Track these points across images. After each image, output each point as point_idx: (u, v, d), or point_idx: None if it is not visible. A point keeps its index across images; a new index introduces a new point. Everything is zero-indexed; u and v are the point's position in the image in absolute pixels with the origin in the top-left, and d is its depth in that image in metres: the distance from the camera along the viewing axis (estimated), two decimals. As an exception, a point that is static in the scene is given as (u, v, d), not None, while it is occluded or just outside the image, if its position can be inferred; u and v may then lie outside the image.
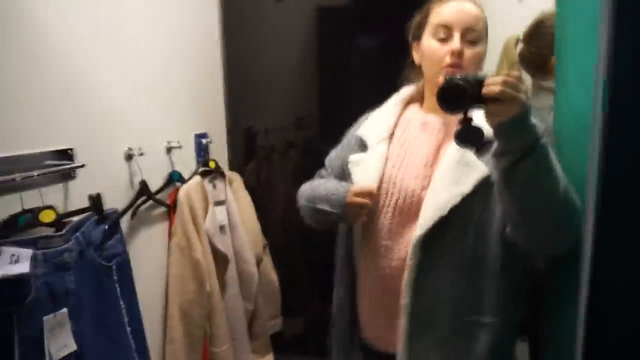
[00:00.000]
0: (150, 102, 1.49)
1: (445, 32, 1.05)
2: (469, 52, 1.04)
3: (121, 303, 1.24)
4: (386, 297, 1.08)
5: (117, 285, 1.23)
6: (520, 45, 1.44)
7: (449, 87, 0.83)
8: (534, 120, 0.84)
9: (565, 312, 1.02)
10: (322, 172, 1.30)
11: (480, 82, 0.82)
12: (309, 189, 1.23)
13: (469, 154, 1.00)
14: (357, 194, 1.07)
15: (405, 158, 1.09)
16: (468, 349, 1.02)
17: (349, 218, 1.09)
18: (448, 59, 1.03)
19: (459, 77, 0.84)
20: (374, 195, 1.07)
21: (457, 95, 0.83)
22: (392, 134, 1.14)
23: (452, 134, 0.88)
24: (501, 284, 1.02)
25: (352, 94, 2.21)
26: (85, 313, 1.14)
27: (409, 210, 1.06)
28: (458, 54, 1.02)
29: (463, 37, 1.04)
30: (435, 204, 1.00)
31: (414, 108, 1.18)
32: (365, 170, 1.12)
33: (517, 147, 0.83)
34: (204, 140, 1.70)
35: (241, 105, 2.02)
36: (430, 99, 1.13)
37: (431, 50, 1.07)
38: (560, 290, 1.05)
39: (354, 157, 1.16)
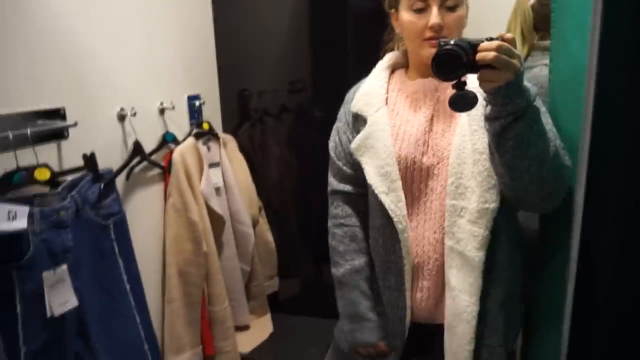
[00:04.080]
0: (141, 63, 1.46)
1: (422, 2, 1.01)
2: (449, 19, 1.01)
3: (119, 261, 1.25)
4: (426, 264, 1.08)
5: (114, 243, 1.24)
6: None
7: (443, 55, 0.82)
8: (526, 83, 0.85)
9: (555, 271, 1.05)
10: (334, 168, 1.22)
11: (474, 48, 0.81)
12: (336, 257, 1.21)
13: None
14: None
15: (402, 126, 1.09)
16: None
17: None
18: (427, 33, 1.01)
19: (452, 43, 0.82)
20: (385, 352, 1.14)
21: (451, 62, 0.82)
22: (386, 100, 1.12)
23: (444, 98, 0.88)
24: (510, 232, 1.06)
25: (345, 58, 2.20)
26: (84, 271, 1.16)
27: (412, 175, 1.06)
28: (438, 27, 1.00)
29: (441, 5, 1.00)
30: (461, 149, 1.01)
31: (401, 75, 1.16)
32: (375, 161, 1.08)
33: (509, 112, 0.84)
34: (197, 102, 1.69)
35: (234, 68, 1.99)
36: (416, 66, 1.12)
37: (409, 23, 1.04)
38: (551, 249, 1.08)
39: (356, 143, 1.11)
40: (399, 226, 1.05)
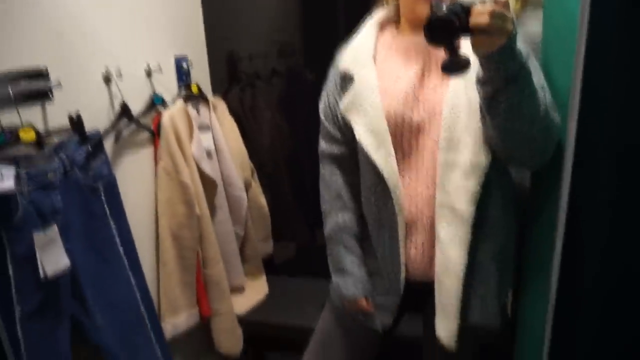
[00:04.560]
0: (126, 24, 1.42)
1: None
2: None
3: (111, 223, 1.25)
4: (420, 220, 1.08)
5: (105, 206, 1.24)
6: None
7: (436, 20, 0.79)
8: (519, 45, 0.84)
9: (545, 227, 1.06)
10: (323, 130, 1.21)
11: (466, 12, 0.79)
12: (327, 209, 1.22)
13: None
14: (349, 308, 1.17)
15: (391, 83, 1.07)
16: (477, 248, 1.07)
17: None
18: None
19: (444, 7, 0.79)
20: (364, 307, 1.15)
21: (444, 28, 0.79)
22: (373, 57, 1.10)
23: (436, 53, 0.86)
24: (503, 187, 1.06)
25: (335, 21, 2.15)
26: (75, 233, 1.15)
27: (402, 132, 1.05)
28: None
29: None
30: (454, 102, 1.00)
31: (391, 31, 1.13)
32: (365, 119, 1.06)
33: (502, 76, 0.84)
34: (184, 64, 1.66)
35: (221, 30, 1.95)
36: (409, 21, 1.09)
37: None
38: (541, 205, 1.08)
39: (344, 103, 1.09)
40: (389, 182, 1.05)
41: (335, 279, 1.21)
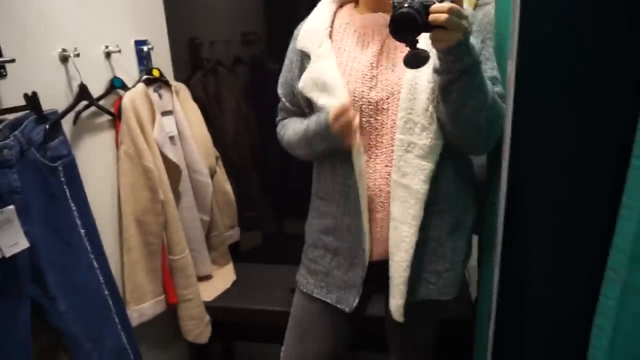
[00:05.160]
0: (83, 5, 1.39)
1: None
2: None
3: (72, 205, 1.22)
4: (378, 197, 1.09)
5: (65, 187, 1.21)
6: None
7: (400, 17, 0.86)
8: (472, 41, 0.92)
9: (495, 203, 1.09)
10: (281, 104, 1.25)
11: (426, 9, 0.85)
12: (291, 135, 1.18)
13: None
14: (336, 118, 1.02)
15: (349, 62, 1.08)
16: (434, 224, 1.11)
17: (346, 144, 1.06)
18: None
19: (406, 5, 0.86)
20: (349, 109, 1.02)
21: (407, 24, 0.86)
22: (330, 35, 1.11)
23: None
24: (457, 164, 1.10)
25: (298, 10, 2.16)
26: (34, 214, 1.12)
27: (361, 110, 1.06)
28: None
29: None
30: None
31: (349, 9, 1.15)
32: (326, 89, 1.06)
33: (457, 69, 0.91)
34: (145, 47, 1.63)
35: (182, 15, 1.92)
36: (365, 2, 1.11)
37: None
38: (492, 185, 1.12)
39: (303, 81, 1.10)
40: (354, 149, 1.06)
41: (305, 137, 1.12)
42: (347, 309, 1.16)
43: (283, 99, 1.23)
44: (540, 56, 0.86)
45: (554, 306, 0.87)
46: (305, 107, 1.16)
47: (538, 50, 0.85)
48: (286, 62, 1.21)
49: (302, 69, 1.13)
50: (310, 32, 1.12)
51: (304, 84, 1.10)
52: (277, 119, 1.28)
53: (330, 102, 1.05)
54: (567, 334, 0.85)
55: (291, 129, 1.19)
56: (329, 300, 1.19)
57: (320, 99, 1.08)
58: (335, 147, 1.08)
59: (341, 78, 1.06)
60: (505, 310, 0.92)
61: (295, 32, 1.19)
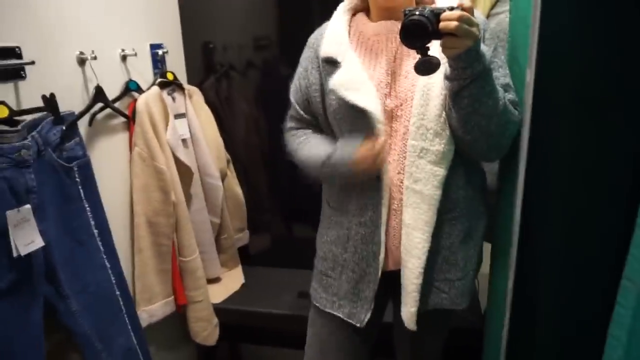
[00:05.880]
0: (100, 7, 1.41)
1: None
2: None
3: (86, 205, 1.24)
4: (391, 204, 1.08)
5: (80, 187, 1.22)
6: None
7: (411, 24, 0.87)
8: (483, 48, 0.92)
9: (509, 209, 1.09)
10: (293, 112, 1.24)
11: (436, 17, 0.86)
12: (304, 157, 1.17)
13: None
14: (363, 162, 1.01)
15: (365, 69, 1.08)
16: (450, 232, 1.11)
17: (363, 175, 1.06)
18: None
19: (417, 13, 0.87)
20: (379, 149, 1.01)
21: (418, 31, 0.87)
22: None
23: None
24: (469, 171, 1.10)
25: (311, 15, 2.17)
26: (49, 213, 1.14)
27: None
28: None
29: None
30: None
31: (362, 17, 1.16)
32: (358, 90, 1.05)
33: (468, 75, 0.92)
34: (159, 51, 1.65)
35: (197, 20, 1.95)
36: (376, 10, 1.11)
37: None
38: (506, 192, 1.12)
39: (337, 81, 1.06)
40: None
41: (322, 168, 1.10)
42: (358, 324, 1.15)
43: (296, 106, 1.21)
44: (559, 64, 0.86)
45: (568, 315, 0.87)
46: (319, 113, 1.15)
47: (557, 59, 0.86)
48: (300, 69, 1.20)
49: (322, 76, 1.12)
50: (334, 40, 1.11)
51: (339, 83, 1.06)
52: (288, 126, 1.28)
53: (360, 98, 1.03)
54: (581, 343, 0.85)
55: (307, 151, 1.17)
56: (340, 315, 1.18)
57: (349, 96, 1.05)
58: (348, 179, 1.09)
59: (369, 80, 1.06)
60: (518, 320, 0.92)
61: (311, 39, 1.19)
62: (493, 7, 1.49)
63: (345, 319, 1.17)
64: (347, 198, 1.13)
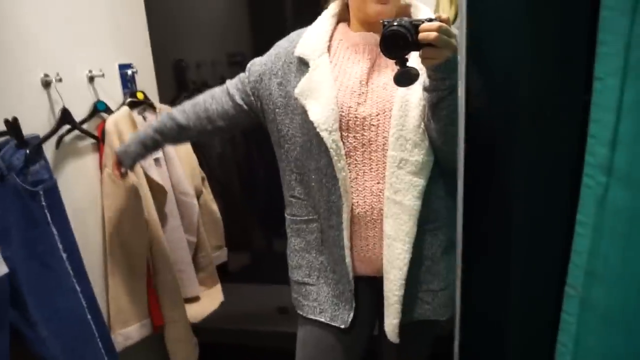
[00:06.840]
0: (65, 29, 1.41)
1: None
2: None
3: (53, 229, 1.22)
4: (369, 214, 1.09)
5: (46, 211, 1.20)
6: None
7: (391, 35, 0.88)
8: None
9: None
10: (242, 76, 1.24)
11: (415, 28, 0.88)
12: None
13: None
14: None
15: (339, 77, 1.09)
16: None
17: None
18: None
19: (395, 24, 0.88)
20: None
21: (398, 42, 0.88)
22: (328, 48, 1.12)
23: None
24: (448, 181, 1.09)
25: (284, 30, 2.19)
26: (14, 239, 1.12)
27: (347, 125, 1.06)
28: None
29: None
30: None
31: (344, 26, 1.17)
32: (318, 102, 1.06)
33: (447, 86, 0.93)
34: (129, 71, 1.65)
35: (167, 38, 1.95)
36: (359, 21, 1.12)
37: None
38: None
39: (300, 88, 1.08)
40: (337, 165, 1.06)
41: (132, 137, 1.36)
42: (342, 326, 1.15)
43: (239, 85, 1.23)
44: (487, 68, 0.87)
45: (519, 324, 0.87)
46: (255, 107, 1.20)
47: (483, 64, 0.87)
48: (273, 51, 1.19)
49: (297, 75, 1.12)
50: (311, 41, 1.12)
51: (300, 90, 1.08)
52: (226, 84, 1.29)
53: (315, 109, 1.06)
54: (532, 354, 0.85)
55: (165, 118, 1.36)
56: (323, 319, 1.17)
57: (308, 104, 1.07)
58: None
59: (334, 89, 1.07)
60: (469, 327, 0.92)
61: (293, 35, 1.18)
62: (454, 19, 1.52)
63: (327, 322, 1.17)
64: (318, 201, 1.14)
